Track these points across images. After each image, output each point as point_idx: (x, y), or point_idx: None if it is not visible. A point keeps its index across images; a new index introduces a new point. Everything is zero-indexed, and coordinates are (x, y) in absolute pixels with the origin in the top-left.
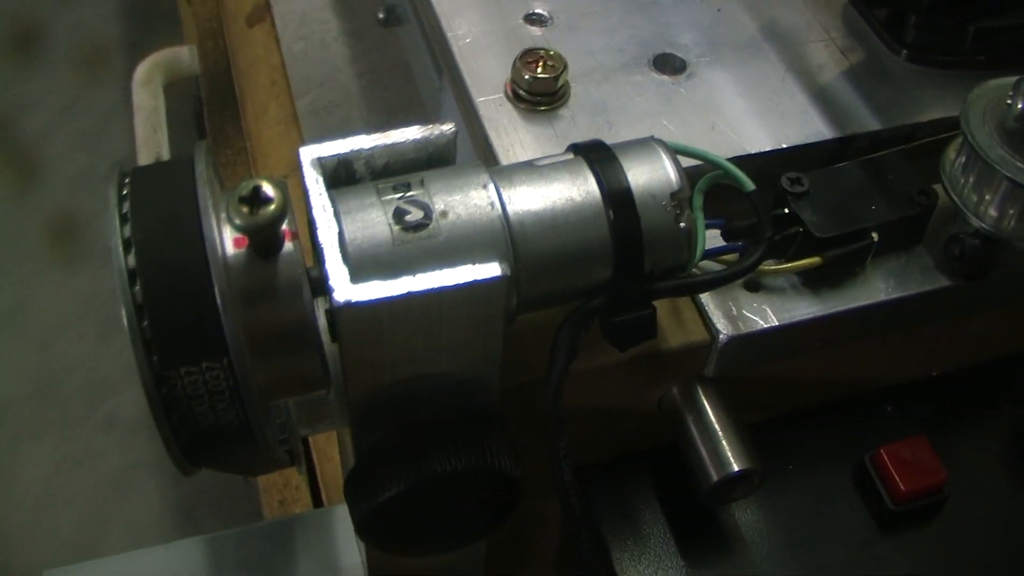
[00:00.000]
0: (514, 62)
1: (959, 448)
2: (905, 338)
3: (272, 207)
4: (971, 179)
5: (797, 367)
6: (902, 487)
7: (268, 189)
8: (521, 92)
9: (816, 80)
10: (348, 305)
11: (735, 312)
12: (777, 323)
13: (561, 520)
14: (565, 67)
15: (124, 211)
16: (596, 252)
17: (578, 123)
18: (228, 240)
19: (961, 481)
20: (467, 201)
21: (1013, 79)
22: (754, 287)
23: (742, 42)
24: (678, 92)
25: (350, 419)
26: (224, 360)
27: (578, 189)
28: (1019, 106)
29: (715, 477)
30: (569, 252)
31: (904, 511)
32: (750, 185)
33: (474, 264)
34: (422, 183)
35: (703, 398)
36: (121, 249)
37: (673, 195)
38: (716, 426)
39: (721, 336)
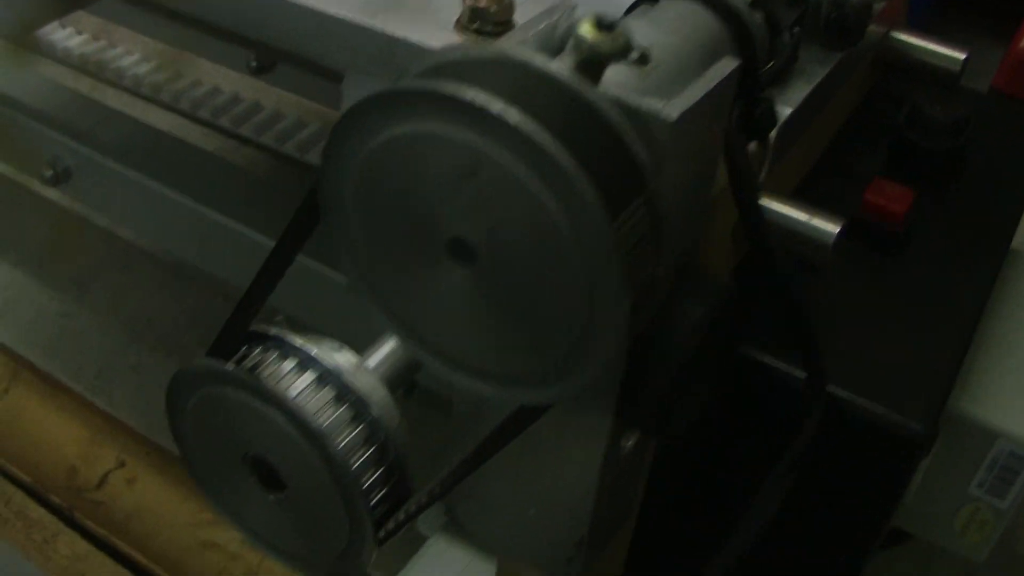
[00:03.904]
0: (465, 3)
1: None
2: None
3: (621, 27)
4: None
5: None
6: (903, 202)
7: (604, 17)
8: (486, 27)
9: None
10: (678, 117)
11: None
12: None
13: None
14: None
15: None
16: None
17: None
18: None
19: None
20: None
21: None
22: None
23: None
24: None
25: None
26: (646, 192)
27: (696, 18)
28: None
29: (834, 236)
30: None
31: (911, 225)
32: None
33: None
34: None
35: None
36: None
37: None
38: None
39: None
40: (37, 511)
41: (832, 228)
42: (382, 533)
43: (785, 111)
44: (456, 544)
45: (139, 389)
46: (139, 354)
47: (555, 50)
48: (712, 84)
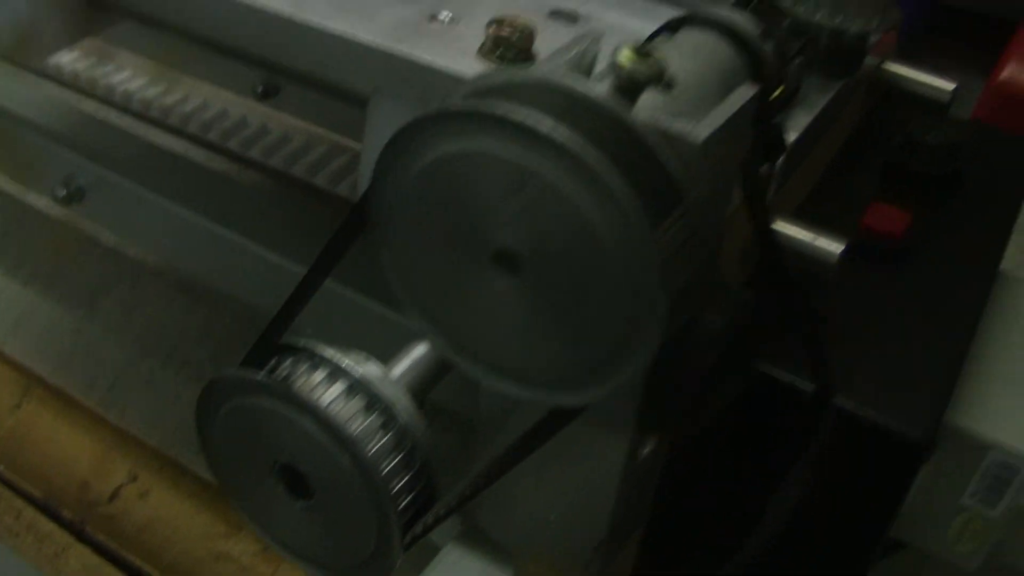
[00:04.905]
0: (488, 32)
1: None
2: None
3: (656, 54)
4: None
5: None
6: (899, 224)
7: (642, 45)
8: (508, 54)
9: None
10: (706, 139)
11: None
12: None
13: None
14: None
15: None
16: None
17: None
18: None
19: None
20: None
21: None
22: None
23: None
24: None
25: None
26: (682, 206)
27: (714, 46)
28: None
29: (838, 255)
30: None
31: (906, 246)
32: None
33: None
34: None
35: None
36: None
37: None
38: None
39: None
40: (47, 525)
41: (836, 247)
42: (408, 538)
43: (791, 136)
44: (470, 553)
45: (152, 403)
46: (151, 368)
47: (586, 75)
48: (733, 109)
